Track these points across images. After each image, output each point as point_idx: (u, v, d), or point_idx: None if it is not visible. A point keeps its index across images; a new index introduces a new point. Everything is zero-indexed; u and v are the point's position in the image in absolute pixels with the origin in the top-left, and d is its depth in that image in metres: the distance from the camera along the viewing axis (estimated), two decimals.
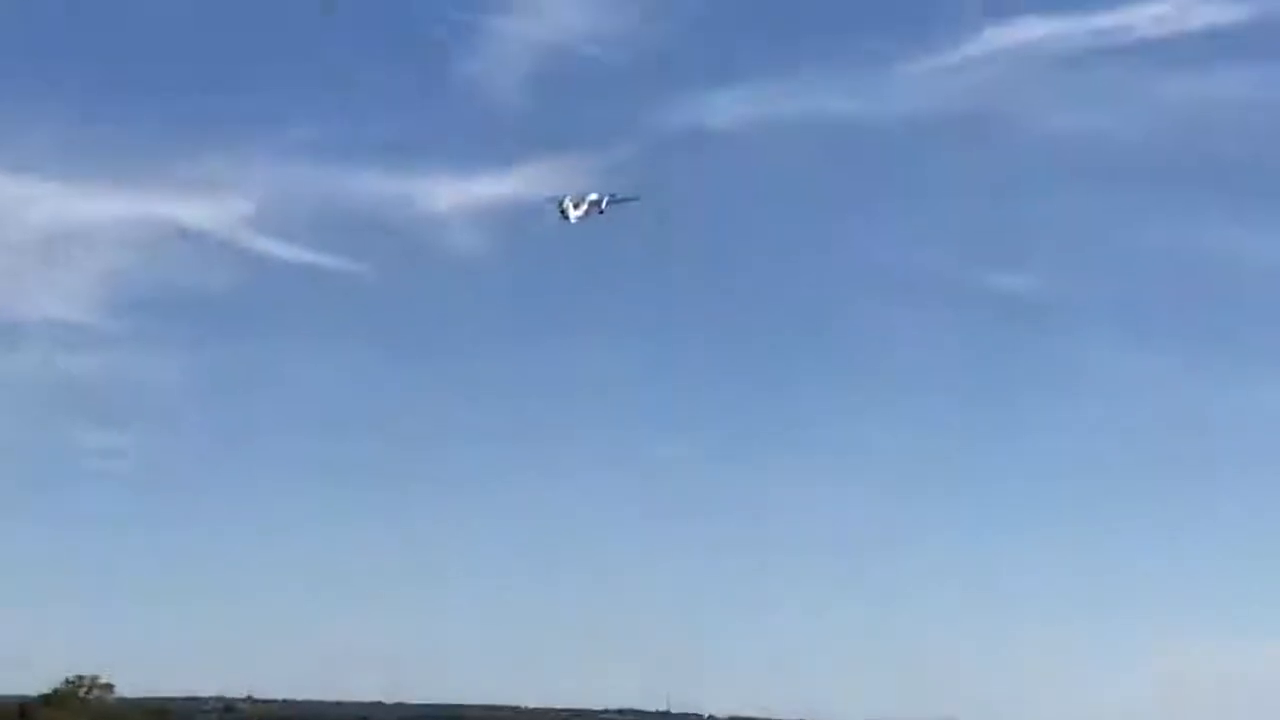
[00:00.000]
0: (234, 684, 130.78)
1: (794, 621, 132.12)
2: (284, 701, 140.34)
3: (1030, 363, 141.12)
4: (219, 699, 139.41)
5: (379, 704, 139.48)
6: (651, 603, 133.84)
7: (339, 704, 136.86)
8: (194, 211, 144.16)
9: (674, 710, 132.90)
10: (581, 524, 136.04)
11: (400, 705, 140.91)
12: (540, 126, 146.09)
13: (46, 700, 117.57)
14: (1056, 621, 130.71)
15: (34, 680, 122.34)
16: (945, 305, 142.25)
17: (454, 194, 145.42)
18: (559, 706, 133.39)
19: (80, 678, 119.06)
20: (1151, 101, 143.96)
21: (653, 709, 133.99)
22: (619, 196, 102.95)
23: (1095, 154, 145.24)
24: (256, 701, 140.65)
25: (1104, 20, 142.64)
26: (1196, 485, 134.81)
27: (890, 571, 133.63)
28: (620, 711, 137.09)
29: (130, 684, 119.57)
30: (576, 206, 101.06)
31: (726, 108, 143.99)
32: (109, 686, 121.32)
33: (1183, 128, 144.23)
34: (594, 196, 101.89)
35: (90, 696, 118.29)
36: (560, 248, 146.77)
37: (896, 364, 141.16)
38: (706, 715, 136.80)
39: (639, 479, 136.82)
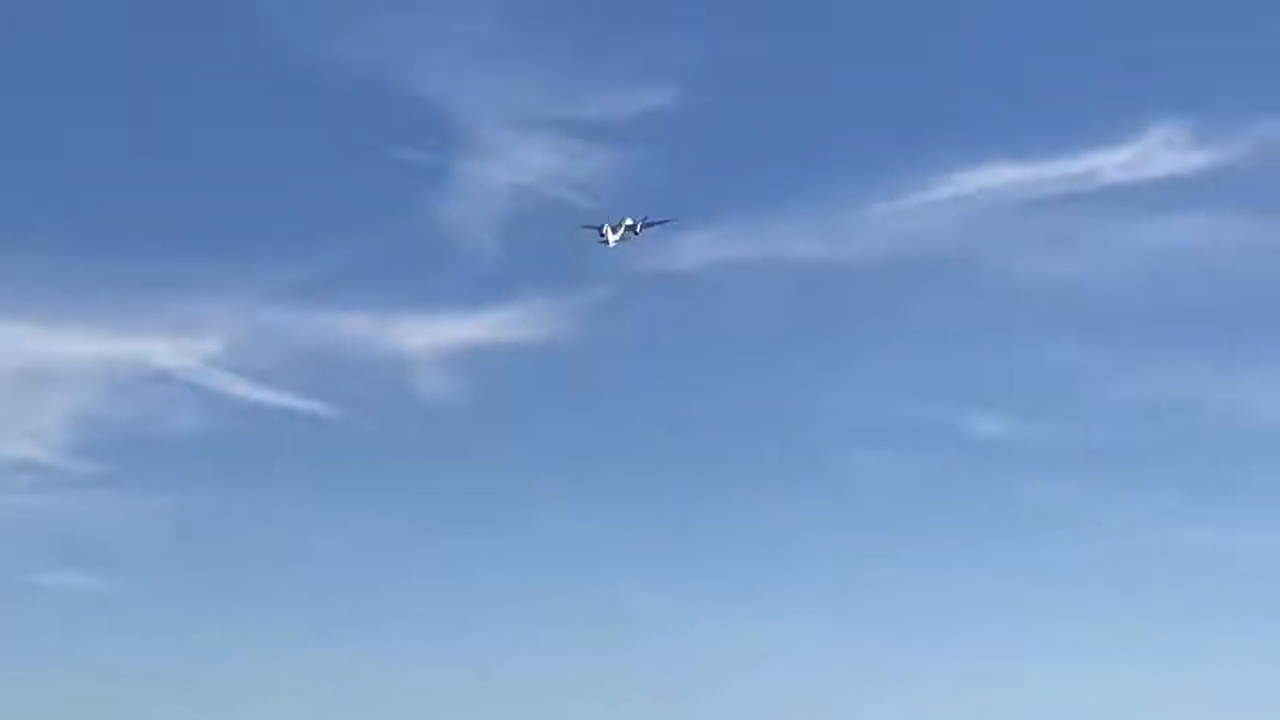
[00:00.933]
0: None
1: None
2: None
3: (1003, 507, 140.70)
4: None
5: None
6: None
7: None
8: (164, 352, 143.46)
9: None
10: (557, 678, 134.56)
11: None
12: (511, 269, 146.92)
13: None
14: None
15: None
16: (918, 449, 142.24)
17: (425, 336, 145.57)
18: None
19: None
20: (1117, 246, 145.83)
21: None
22: (652, 219, 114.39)
23: (1064, 298, 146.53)
24: None
25: (1071, 166, 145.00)
26: (1168, 630, 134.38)
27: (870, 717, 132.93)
28: None
29: None
30: (615, 230, 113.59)
31: (697, 250, 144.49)
32: None
33: (1147, 273, 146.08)
34: (629, 221, 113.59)
35: None
36: (532, 393, 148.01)
37: (870, 508, 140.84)
38: None
39: (616, 631, 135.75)
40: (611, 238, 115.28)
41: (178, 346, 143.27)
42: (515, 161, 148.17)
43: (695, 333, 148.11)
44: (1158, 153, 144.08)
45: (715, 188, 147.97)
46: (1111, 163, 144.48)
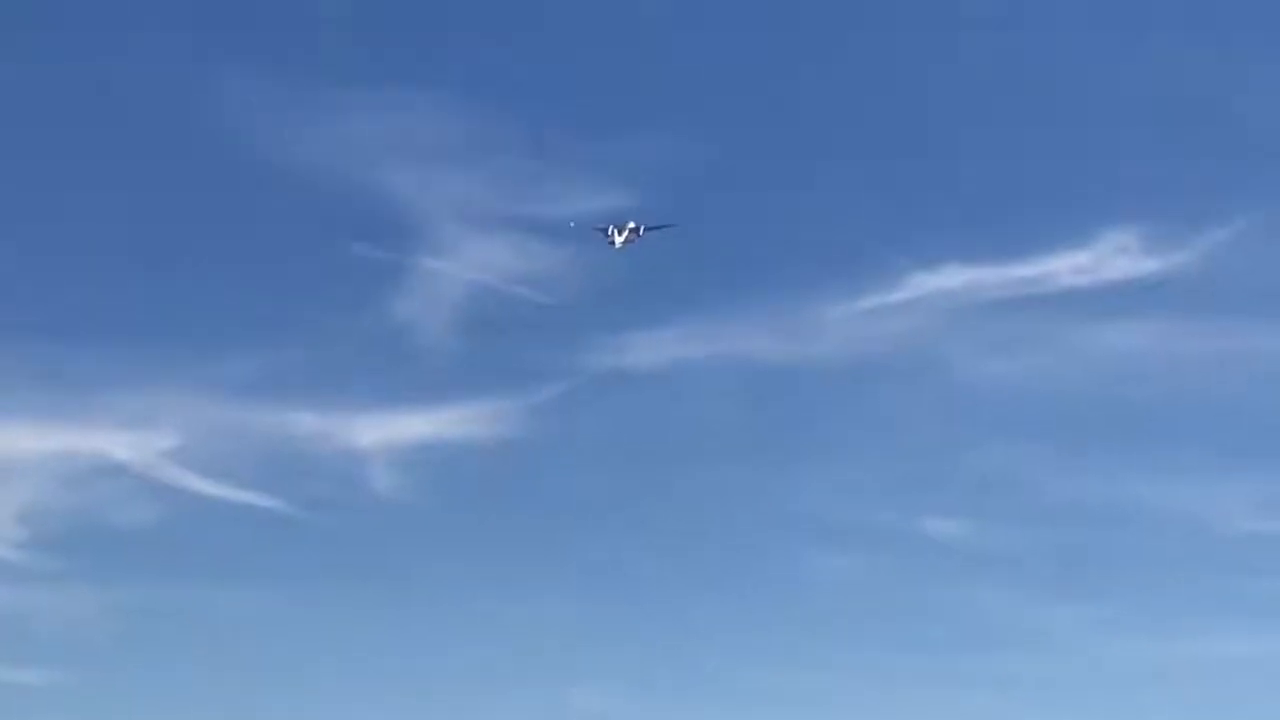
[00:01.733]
0: None
1: None
2: None
3: (955, 612, 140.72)
4: None
5: None
6: None
7: None
8: (118, 446, 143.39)
9: None
10: None
11: None
12: (466, 367, 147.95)
13: None
14: None
15: None
16: (873, 551, 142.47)
17: (379, 433, 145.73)
18: None
19: None
20: (1071, 350, 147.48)
21: None
22: (653, 225, 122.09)
23: (1020, 401, 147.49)
24: None
25: (1026, 270, 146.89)
26: None
27: None
28: None
29: None
30: (620, 233, 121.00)
31: (653, 349, 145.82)
32: None
33: (1101, 377, 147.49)
34: (632, 225, 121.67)
35: None
36: (486, 491, 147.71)
37: (821, 609, 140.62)
38: None
39: None
40: (617, 239, 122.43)
41: (132, 440, 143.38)
42: (473, 260, 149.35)
43: (649, 431, 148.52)
44: (1111, 258, 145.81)
45: (672, 286, 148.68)
46: (1065, 267, 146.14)
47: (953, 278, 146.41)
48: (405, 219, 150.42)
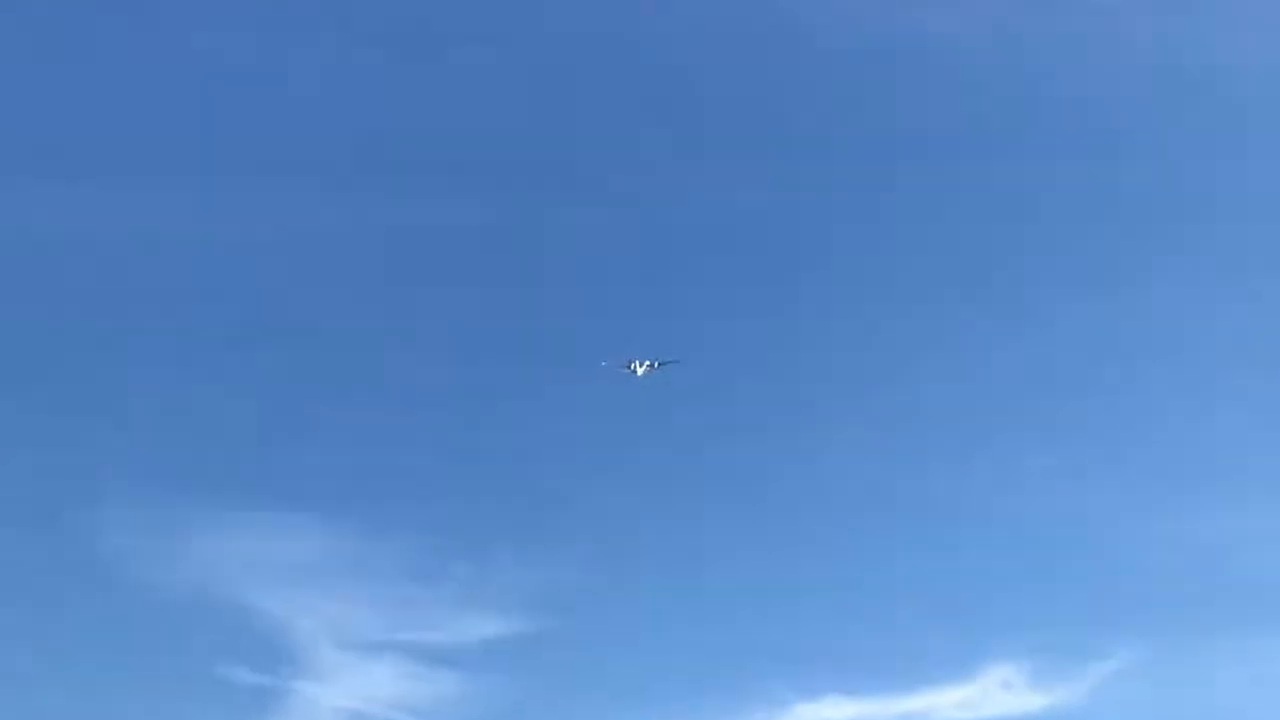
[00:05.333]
0: None
1: None
2: None
3: None
4: None
5: None
6: None
7: None
8: None
9: None
10: None
11: None
12: None
13: None
14: None
15: None
16: None
17: None
18: None
19: None
20: None
21: None
22: (665, 360, 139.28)
23: None
24: None
25: (910, 703, 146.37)
26: None
27: None
28: None
29: None
30: (640, 365, 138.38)
31: None
32: None
33: None
34: (649, 362, 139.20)
35: None
36: None
37: None
38: None
39: None
40: (639, 370, 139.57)
41: None
42: (352, 685, 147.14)
43: None
44: (995, 693, 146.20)
45: (556, 712, 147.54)
46: (949, 701, 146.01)
47: (837, 709, 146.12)
48: (280, 642, 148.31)
